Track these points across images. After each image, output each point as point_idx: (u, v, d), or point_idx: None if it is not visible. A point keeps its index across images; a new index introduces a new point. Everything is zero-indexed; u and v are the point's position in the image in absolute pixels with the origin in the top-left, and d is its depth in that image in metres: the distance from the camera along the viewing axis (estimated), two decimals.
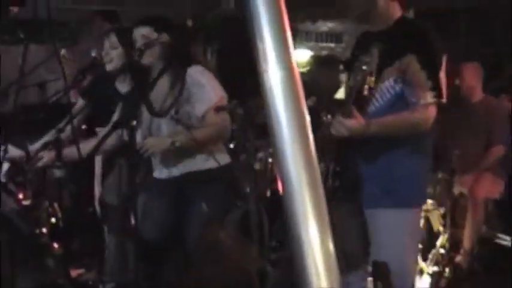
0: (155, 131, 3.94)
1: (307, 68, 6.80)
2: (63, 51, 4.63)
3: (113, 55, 4.20)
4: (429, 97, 3.12)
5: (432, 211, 5.42)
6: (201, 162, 3.90)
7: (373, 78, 3.01)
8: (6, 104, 5.83)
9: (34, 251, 4.12)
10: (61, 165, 3.80)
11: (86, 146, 3.70)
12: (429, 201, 5.28)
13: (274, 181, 6.03)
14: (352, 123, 3.01)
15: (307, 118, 1.07)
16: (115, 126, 3.25)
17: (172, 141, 3.71)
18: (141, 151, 3.65)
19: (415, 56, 3.10)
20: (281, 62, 1.07)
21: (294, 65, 1.08)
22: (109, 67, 4.23)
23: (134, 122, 2.78)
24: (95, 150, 3.64)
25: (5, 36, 9.94)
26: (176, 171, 3.95)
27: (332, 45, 19.26)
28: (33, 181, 4.44)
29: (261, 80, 1.09)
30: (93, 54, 4.45)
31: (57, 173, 3.98)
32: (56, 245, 4.94)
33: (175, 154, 3.86)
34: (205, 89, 3.78)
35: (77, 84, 4.54)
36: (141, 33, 3.87)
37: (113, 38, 4.21)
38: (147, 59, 3.83)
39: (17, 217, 3.57)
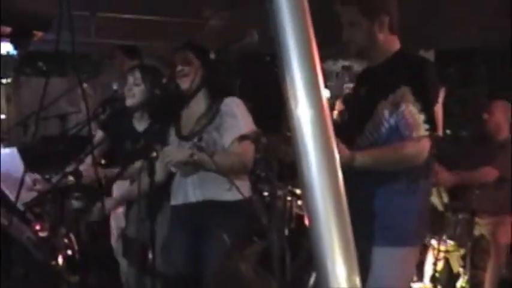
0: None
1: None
2: (84, 85, 4.63)
3: (135, 91, 4.22)
4: (422, 130, 3.02)
5: (452, 252, 5.34)
6: (220, 192, 3.81)
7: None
8: (27, 134, 5.87)
9: (49, 282, 4.10)
10: (80, 196, 3.78)
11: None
12: (449, 241, 5.21)
13: (293, 220, 5.99)
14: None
15: (337, 156, 1.05)
16: (134, 157, 3.22)
17: (192, 153, 3.65)
18: (160, 160, 3.60)
19: (409, 88, 3.03)
20: (311, 100, 1.05)
21: (324, 102, 1.05)
22: (129, 102, 4.24)
23: (154, 154, 2.74)
24: (114, 179, 3.62)
25: (26, 68, 10.09)
26: (193, 197, 3.87)
27: (352, 85, 19.37)
28: (50, 212, 4.43)
29: (290, 117, 1.06)
30: (115, 87, 4.48)
31: (76, 204, 3.96)
32: (71, 278, 4.92)
33: (193, 178, 3.83)
34: (237, 120, 3.77)
35: (96, 117, 4.54)
36: (182, 57, 3.87)
37: (137, 74, 4.23)
38: (184, 84, 3.81)
39: (34, 247, 3.54)
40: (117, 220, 5.11)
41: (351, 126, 3.33)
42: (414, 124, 3.02)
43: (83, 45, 7.50)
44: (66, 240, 4.80)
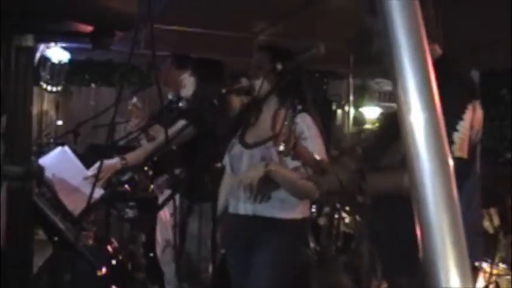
0: (236, 162, 3.71)
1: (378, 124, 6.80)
2: (134, 100, 4.64)
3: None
4: None
5: (503, 276, 5.22)
6: (272, 209, 3.57)
7: None
8: (77, 142, 5.92)
9: None
10: (134, 205, 3.78)
11: None
12: (501, 265, 5.10)
13: (340, 238, 5.92)
14: None
15: (451, 162, 1.00)
16: (197, 168, 3.12)
17: (265, 164, 3.41)
18: (240, 189, 3.46)
19: None
20: (424, 104, 1.00)
21: (438, 106, 1.00)
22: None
23: (219, 165, 2.66)
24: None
25: (75, 77, 10.23)
26: (243, 210, 3.65)
27: (394, 105, 19.24)
28: (97, 220, 4.45)
29: (402, 122, 1.02)
30: (170, 97, 4.49)
31: (129, 213, 3.97)
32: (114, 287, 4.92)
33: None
34: (306, 143, 3.30)
35: (147, 128, 4.55)
36: (255, 59, 3.72)
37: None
38: (252, 89, 3.64)
39: (87, 256, 3.53)
40: (162, 230, 5.12)
41: (379, 142, 3.21)
42: None
43: (133, 57, 7.53)
44: (111, 249, 4.82)
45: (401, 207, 2.92)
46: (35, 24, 1.56)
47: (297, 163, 3.27)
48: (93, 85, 10.59)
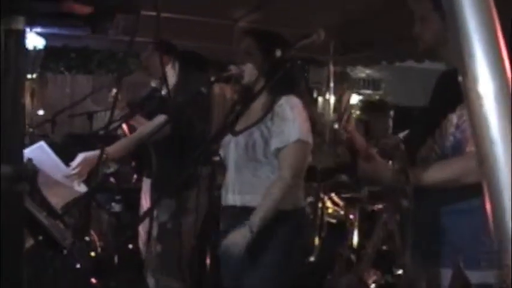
0: (226, 150, 3.56)
1: (358, 111, 6.74)
2: (115, 91, 4.51)
3: None
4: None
5: None
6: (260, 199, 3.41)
7: None
8: (54, 132, 5.76)
9: (72, 285, 4.00)
10: (120, 199, 3.66)
11: None
12: None
13: (324, 228, 5.83)
14: None
15: None
16: (196, 161, 2.95)
17: (249, 230, 3.27)
18: (229, 180, 3.44)
19: None
20: (494, 72, 0.90)
21: (508, 76, 0.90)
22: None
23: (217, 158, 2.52)
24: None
25: (51, 64, 10.02)
26: (232, 201, 3.53)
27: (369, 91, 19.25)
28: (75, 214, 4.33)
29: (467, 93, 0.91)
30: (154, 84, 4.38)
31: (116, 207, 3.84)
32: (94, 280, 4.82)
33: (234, 182, 3.51)
34: (288, 124, 3.37)
35: (130, 116, 4.43)
36: (244, 46, 3.59)
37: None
38: (246, 77, 3.52)
39: (73, 251, 3.41)
40: (144, 223, 5.01)
41: (417, 134, 3.12)
42: (470, 139, 2.74)
43: (110, 43, 7.39)
44: (91, 243, 4.72)
45: (446, 198, 2.85)
46: (25, 5, 1.41)
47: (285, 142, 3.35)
48: (67, 73, 10.38)
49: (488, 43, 0.91)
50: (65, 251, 3.29)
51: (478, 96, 0.91)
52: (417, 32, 2.95)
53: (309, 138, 3.45)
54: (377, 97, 11.51)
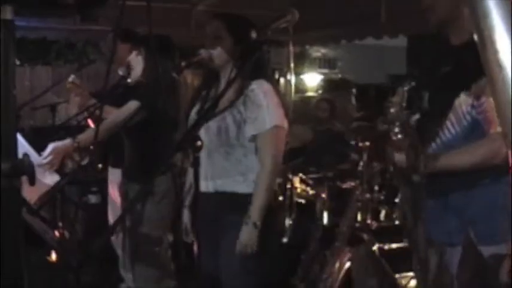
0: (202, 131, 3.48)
1: (320, 91, 6.78)
2: (72, 77, 4.43)
3: None
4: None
5: None
6: (234, 183, 3.44)
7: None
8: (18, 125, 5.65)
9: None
10: (96, 190, 3.61)
11: None
12: None
13: (294, 209, 5.83)
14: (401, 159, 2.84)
15: None
16: (179, 147, 2.88)
17: (253, 223, 3.31)
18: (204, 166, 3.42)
19: None
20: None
21: None
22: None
23: (199, 143, 2.48)
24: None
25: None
26: (205, 187, 3.47)
27: (326, 71, 19.32)
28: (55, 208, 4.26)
29: (489, 62, 0.92)
30: (121, 73, 4.32)
31: (93, 199, 3.79)
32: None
33: (206, 168, 3.47)
34: (262, 111, 3.35)
35: (100, 106, 4.36)
36: (212, 30, 3.54)
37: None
38: (211, 62, 3.49)
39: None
40: (115, 213, 4.96)
41: (429, 115, 3.06)
42: (494, 120, 2.69)
43: (68, 33, 7.28)
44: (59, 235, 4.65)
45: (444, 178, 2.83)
46: None
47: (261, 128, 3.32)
48: (26, 65, 10.20)
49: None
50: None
51: (500, 67, 0.91)
52: (429, 4, 2.88)
53: (284, 123, 3.43)
54: (339, 76, 11.49)
